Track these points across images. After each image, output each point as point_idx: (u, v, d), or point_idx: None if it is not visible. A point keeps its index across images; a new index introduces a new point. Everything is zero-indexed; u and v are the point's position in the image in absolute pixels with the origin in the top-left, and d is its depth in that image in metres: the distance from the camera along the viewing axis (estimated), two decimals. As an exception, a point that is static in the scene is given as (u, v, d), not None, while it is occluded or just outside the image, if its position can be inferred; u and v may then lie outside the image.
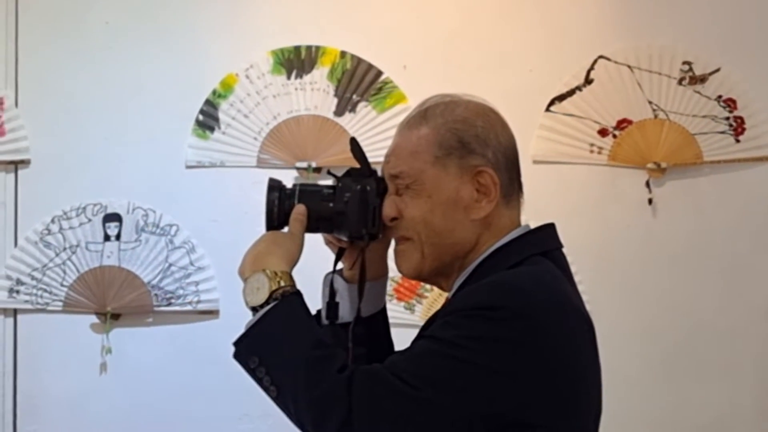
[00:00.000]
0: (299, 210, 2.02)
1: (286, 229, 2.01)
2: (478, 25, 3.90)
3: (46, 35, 3.79)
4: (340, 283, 2.12)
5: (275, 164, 3.79)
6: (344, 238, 2.05)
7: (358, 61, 3.82)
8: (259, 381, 1.84)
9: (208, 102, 3.80)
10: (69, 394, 3.76)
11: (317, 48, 3.82)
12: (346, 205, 1.99)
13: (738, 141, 3.82)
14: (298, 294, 1.89)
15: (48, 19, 3.80)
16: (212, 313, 3.78)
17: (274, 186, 2.06)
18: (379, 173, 2.01)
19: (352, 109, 3.81)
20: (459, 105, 1.97)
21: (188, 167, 3.80)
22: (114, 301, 3.75)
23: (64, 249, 3.75)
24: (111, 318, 3.74)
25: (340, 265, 2.11)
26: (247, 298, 1.91)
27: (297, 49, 3.82)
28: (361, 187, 1.99)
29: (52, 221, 3.75)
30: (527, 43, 3.91)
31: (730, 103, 3.83)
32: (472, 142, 1.92)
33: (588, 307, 1.89)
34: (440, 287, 2.02)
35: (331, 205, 2.01)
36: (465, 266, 1.94)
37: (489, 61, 3.85)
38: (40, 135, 3.78)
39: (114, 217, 3.77)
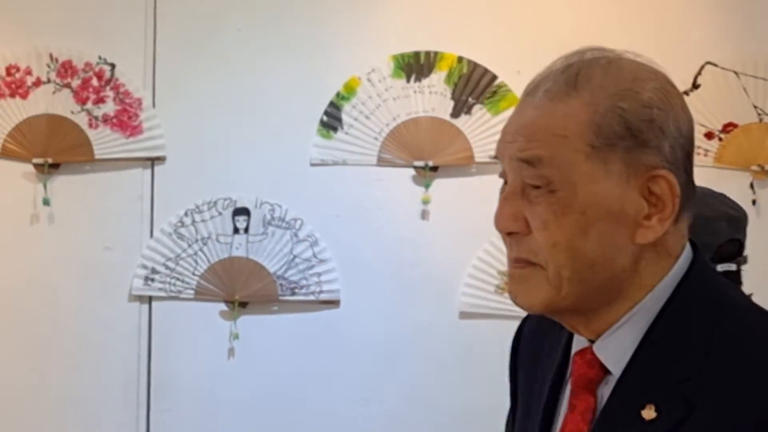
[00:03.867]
0: None
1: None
2: (591, 32, 4.04)
3: (182, 41, 4.02)
4: None
5: (395, 163, 3.99)
6: None
7: (474, 66, 3.99)
8: None
9: (332, 104, 4.00)
10: (198, 377, 3.98)
11: (435, 53, 4.00)
12: None
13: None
14: None
15: (184, 25, 4.03)
16: (333, 303, 3.98)
17: None
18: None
19: (468, 112, 3.99)
20: (623, 71, 1.37)
21: (312, 165, 4.01)
22: (242, 290, 3.97)
23: (196, 240, 3.98)
24: (239, 306, 3.96)
25: None
26: None
27: (416, 54, 4.01)
28: None
29: (186, 214, 3.98)
30: (638, 48, 4.04)
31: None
32: (645, 129, 1.33)
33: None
34: (571, 326, 1.44)
35: None
36: (616, 301, 1.37)
37: None
38: (175, 134, 4.00)
39: (243, 211, 3.99)
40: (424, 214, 3.99)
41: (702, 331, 1.31)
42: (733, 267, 2.48)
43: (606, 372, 1.39)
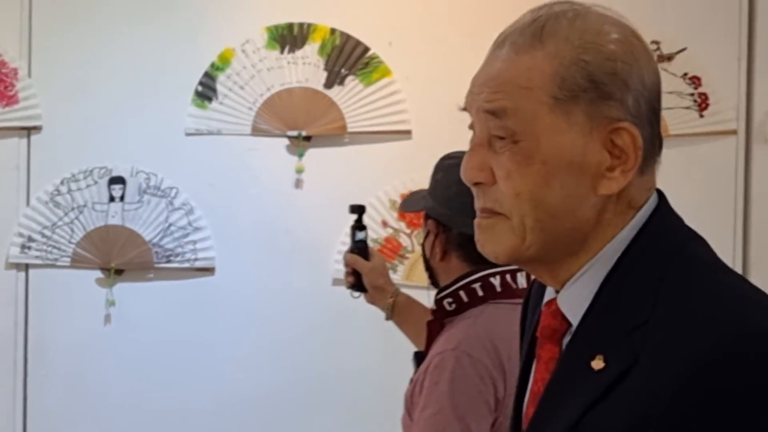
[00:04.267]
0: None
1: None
2: (460, 4, 4.14)
3: (58, 11, 4.05)
4: None
5: (269, 132, 4.06)
6: None
7: (346, 37, 4.06)
8: None
9: (206, 74, 4.06)
10: (75, 342, 4.04)
11: (309, 25, 4.07)
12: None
13: (702, 116, 4.07)
14: None
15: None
16: (209, 270, 4.05)
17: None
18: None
19: (341, 82, 4.07)
20: (588, 24, 1.39)
21: (188, 135, 4.07)
22: (117, 257, 4.03)
23: (72, 209, 4.03)
24: (114, 273, 4.02)
25: None
26: None
27: (290, 25, 4.07)
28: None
29: (62, 183, 4.03)
30: (510, 18, 4.13)
31: (695, 81, 4.07)
32: (608, 82, 1.35)
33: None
34: (538, 276, 1.50)
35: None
36: (582, 254, 1.40)
37: (472, 37, 4.02)
38: (51, 103, 4.04)
39: (118, 180, 4.04)
40: (298, 183, 4.06)
41: (652, 282, 1.32)
42: None
43: (569, 322, 1.41)
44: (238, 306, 4.05)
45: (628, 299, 1.33)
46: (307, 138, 4.05)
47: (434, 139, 4.01)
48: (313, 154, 4.06)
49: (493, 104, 1.37)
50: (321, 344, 4.02)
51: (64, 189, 4.03)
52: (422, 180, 4.04)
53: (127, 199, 4.05)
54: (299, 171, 4.04)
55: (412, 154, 4.00)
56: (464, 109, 1.44)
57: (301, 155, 4.05)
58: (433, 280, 2.75)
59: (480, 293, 2.61)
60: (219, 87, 4.06)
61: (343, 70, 4.07)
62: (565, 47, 1.35)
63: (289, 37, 4.08)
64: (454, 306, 2.62)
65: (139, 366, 4.03)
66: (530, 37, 1.37)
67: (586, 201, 1.36)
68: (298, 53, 4.07)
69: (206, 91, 4.06)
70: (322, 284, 4.03)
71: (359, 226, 3.00)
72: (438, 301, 2.65)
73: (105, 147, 4.05)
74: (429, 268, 2.76)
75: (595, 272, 1.39)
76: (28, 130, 4.05)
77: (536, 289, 1.60)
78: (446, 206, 2.63)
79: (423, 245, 2.77)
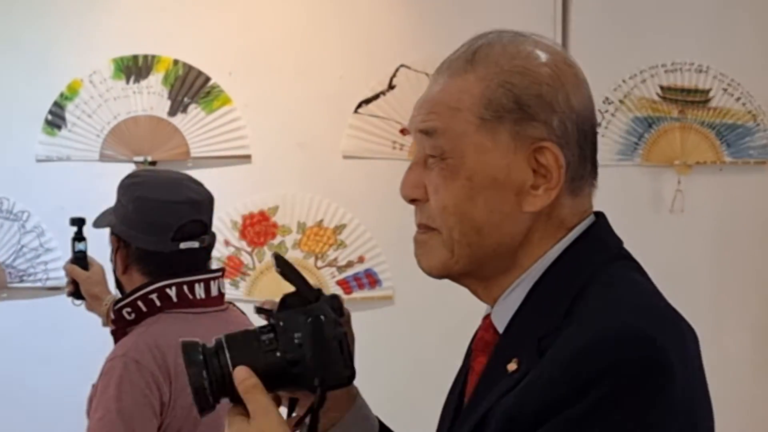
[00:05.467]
0: (243, 375, 1.40)
1: (224, 401, 1.44)
2: (296, 37, 4.41)
3: None
4: None
5: (116, 158, 4.29)
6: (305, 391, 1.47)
7: (189, 68, 4.32)
8: None
9: (56, 103, 4.27)
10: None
11: (153, 57, 4.31)
12: (300, 349, 1.43)
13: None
14: None
15: None
16: (59, 289, 4.23)
17: (191, 350, 1.43)
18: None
19: (184, 110, 4.32)
20: (520, 49, 1.48)
21: (38, 161, 4.28)
22: (-29, 278, 4.22)
23: (-74, 233, 4.21)
24: (-32, 294, 4.22)
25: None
26: None
27: (135, 57, 4.31)
28: (313, 319, 1.43)
29: None
30: (339, 52, 4.44)
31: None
32: (533, 104, 1.43)
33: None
34: (474, 292, 1.54)
35: (278, 354, 1.43)
36: (512, 271, 1.48)
37: (305, 68, 4.36)
38: None
39: (-30, 205, 4.24)
40: (145, 205, 4.29)
41: (566, 296, 1.41)
42: (196, 244, 2.79)
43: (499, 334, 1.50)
44: (87, 324, 4.23)
45: (545, 310, 1.43)
46: (153, 163, 4.28)
47: (272, 162, 4.33)
48: (158, 177, 4.28)
49: (425, 124, 1.47)
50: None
51: None
52: (262, 201, 4.35)
53: (-21, 222, 4.23)
54: (146, 194, 4.27)
55: (252, 177, 4.30)
56: (406, 130, 1.60)
57: (147, 179, 4.28)
58: (122, 291, 2.89)
59: (157, 303, 2.77)
60: (68, 115, 4.28)
61: (186, 99, 4.32)
62: (494, 70, 1.44)
63: (134, 68, 4.31)
64: (133, 315, 2.78)
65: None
66: (464, 61, 1.47)
67: (511, 217, 1.45)
68: (143, 83, 4.31)
69: (56, 120, 4.27)
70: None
71: (79, 237, 3.18)
72: (117, 311, 2.80)
73: (-43, 173, 4.22)
74: (117, 280, 2.92)
75: (523, 288, 1.47)
76: None
77: None
78: (126, 224, 2.81)
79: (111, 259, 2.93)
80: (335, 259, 4.36)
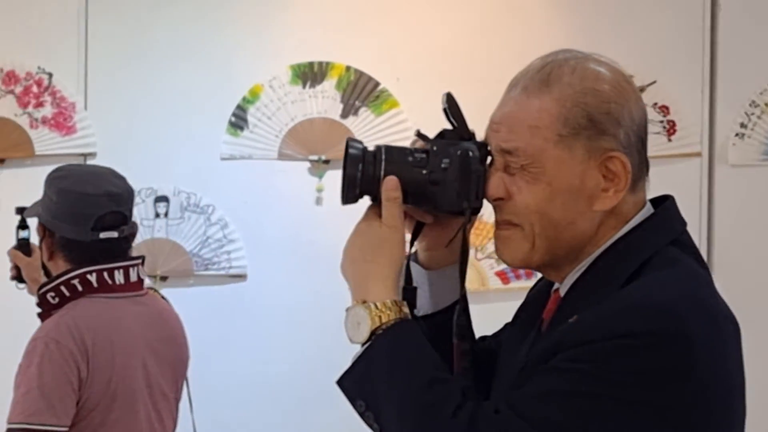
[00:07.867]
0: (392, 186, 1.66)
1: (365, 198, 1.72)
2: (460, 44, 4.62)
3: (111, 53, 4.61)
4: (414, 269, 1.80)
5: (293, 157, 4.62)
6: (434, 213, 1.72)
7: (360, 74, 4.61)
8: (371, 426, 1.66)
9: (239, 107, 4.61)
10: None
11: (327, 63, 4.62)
12: (444, 172, 1.64)
13: (670, 140, 4.57)
14: (406, 323, 1.65)
15: (112, 39, 4.63)
16: (241, 277, 4.60)
17: (355, 150, 1.65)
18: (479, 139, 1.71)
19: (355, 113, 4.61)
20: (588, 70, 1.64)
21: (223, 159, 4.62)
22: (162, 266, 4.57)
23: (123, 224, 4.59)
24: (160, 279, 4.56)
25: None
26: (348, 333, 1.70)
27: (311, 64, 4.61)
28: (462, 152, 1.65)
29: (114, 202, 4.59)
30: (504, 57, 4.62)
31: (664, 109, 4.60)
32: (603, 120, 1.61)
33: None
34: (548, 276, 1.75)
35: (424, 172, 1.65)
36: (581, 258, 1.67)
37: (471, 74, 4.53)
38: (104, 133, 4.58)
39: (163, 199, 4.59)
40: (318, 201, 4.60)
41: (626, 270, 1.61)
42: (115, 234, 3.01)
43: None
44: (267, 308, 4.58)
45: (604, 282, 1.63)
46: (326, 161, 4.58)
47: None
48: (331, 175, 4.57)
49: (508, 144, 1.63)
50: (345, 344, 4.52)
51: (115, 207, 4.58)
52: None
53: (170, 215, 4.58)
54: (319, 190, 4.59)
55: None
56: (485, 142, 1.72)
57: (320, 176, 4.59)
58: (48, 277, 3.05)
59: (79, 288, 2.95)
60: (249, 118, 4.60)
61: (357, 102, 4.61)
62: (569, 92, 1.62)
63: (310, 74, 4.62)
64: (57, 299, 2.96)
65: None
66: (539, 82, 1.63)
67: (584, 215, 1.63)
68: (318, 88, 4.62)
69: (239, 121, 4.61)
70: (341, 288, 4.48)
71: (22, 225, 3.30)
72: (42, 296, 2.97)
73: (151, 170, 4.55)
74: (43, 266, 3.08)
75: (586, 263, 1.68)
76: (85, 156, 4.57)
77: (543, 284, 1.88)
78: (50, 214, 3.00)
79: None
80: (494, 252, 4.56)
